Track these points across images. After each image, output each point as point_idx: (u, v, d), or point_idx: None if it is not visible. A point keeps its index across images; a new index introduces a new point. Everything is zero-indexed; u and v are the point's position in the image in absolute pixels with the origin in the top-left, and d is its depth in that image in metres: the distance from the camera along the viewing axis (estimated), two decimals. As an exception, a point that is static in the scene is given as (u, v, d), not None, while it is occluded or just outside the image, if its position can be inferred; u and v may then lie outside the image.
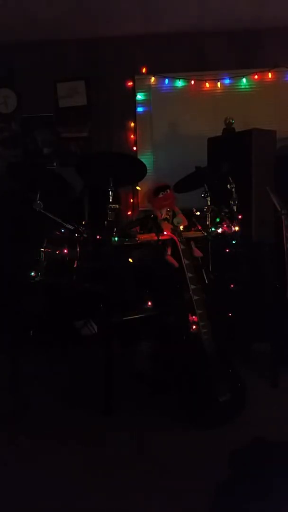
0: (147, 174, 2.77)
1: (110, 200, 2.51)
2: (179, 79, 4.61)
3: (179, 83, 4.63)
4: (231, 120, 4.09)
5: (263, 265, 3.32)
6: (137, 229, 2.75)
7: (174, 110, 4.70)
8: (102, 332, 2.84)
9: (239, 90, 4.63)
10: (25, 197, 2.71)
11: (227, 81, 4.60)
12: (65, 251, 2.68)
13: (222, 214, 2.84)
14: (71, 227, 2.66)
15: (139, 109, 4.72)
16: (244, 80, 4.59)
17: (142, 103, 4.72)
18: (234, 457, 2.02)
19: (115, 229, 2.50)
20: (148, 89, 4.69)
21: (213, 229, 2.74)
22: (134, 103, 4.70)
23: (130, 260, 2.81)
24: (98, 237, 2.66)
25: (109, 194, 2.51)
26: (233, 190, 2.86)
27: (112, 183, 2.51)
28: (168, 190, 2.81)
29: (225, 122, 4.11)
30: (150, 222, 2.69)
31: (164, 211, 2.61)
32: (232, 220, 2.82)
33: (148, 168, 2.73)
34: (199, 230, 2.70)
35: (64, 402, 2.59)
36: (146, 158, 4.57)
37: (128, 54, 4.59)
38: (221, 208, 2.87)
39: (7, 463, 2.06)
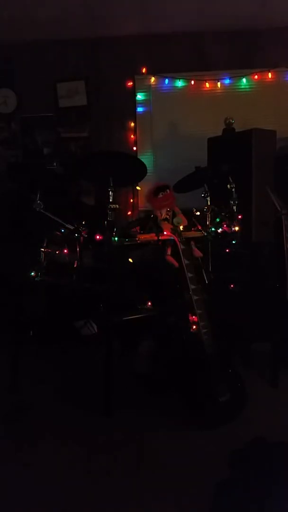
0: (147, 174, 2.76)
1: (110, 200, 2.51)
2: (179, 79, 4.61)
3: (179, 83, 4.63)
4: (231, 120, 4.09)
5: (263, 265, 3.32)
6: (137, 229, 2.75)
7: (174, 110, 4.70)
8: (102, 332, 2.83)
9: (239, 90, 4.63)
10: (25, 197, 2.71)
11: (227, 81, 4.60)
12: (65, 251, 2.68)
13: (222, 214, 2.84)
14: (71, 227, 2.66)
15: (139, 109, 4.72)
16: (244, 80, 4.59)
17: (142, 103, 4.72)
18: (234, 457, 2.02)
19: (115, 229, 2.50)
20: (148, 89, 4.69)
21: (213, 229, 2.74)
22: (134, 103, 4.70)
23: (130, 260, 2.81)
24: (98, 237, 2.66)
25: (109, 194, 2.51)
26: (233, 190, 2.86)
27: (112, 183, 2.51)
28: (168, 190, 2.81)
29: (225, 122, 4.11)
30: (150, 222, 2.69)
31: (164, 211, 2.61)
32: (232, 220, 2.82)
33: (148, 168, 2.73)
34: (199, 230, 2.70)
35: (64, 402, 2.59)
36: (146, 158, 4.57)
37: (128, 54, 4.59)
38: (221, 208, 2.87)
39: (7, 463, 2.06)
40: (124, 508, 1.77)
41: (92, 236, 2.64)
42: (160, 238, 2.54)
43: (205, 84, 4.62)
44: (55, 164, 4.49)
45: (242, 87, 4.63)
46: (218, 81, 4.60)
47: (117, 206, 2.51)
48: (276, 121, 4.37)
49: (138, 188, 4.61)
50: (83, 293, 2.79)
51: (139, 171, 2.70)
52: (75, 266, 2.66)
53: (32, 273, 2.64)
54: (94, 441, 2.21)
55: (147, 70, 4.62)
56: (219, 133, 4.15)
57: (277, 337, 2.77)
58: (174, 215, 2.58)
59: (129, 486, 1.88)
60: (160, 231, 2.54)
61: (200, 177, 2.83)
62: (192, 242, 2.70)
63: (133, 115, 4.72)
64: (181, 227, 2.51)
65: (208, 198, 2.81)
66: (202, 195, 2.83)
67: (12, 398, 2.63)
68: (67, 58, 4.65)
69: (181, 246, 2.44)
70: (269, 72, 4.54)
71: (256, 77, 4.58)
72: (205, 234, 2.70)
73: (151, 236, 2.57)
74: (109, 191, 2.51)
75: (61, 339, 3.14)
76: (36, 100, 4.68)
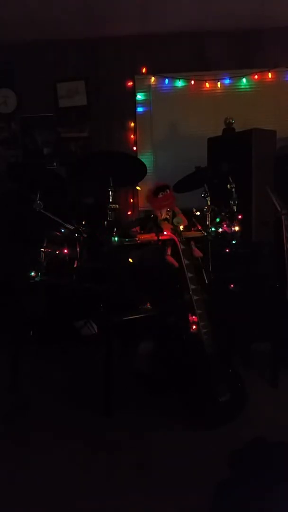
0: (147, 174, 2.77)
1: (110, 200, 2.51)
2: (179, 79, 4.61)
3: (179, 83, 4.64)
4: (231, 120, 4.09)
5: (263, 265, 3.32)
6: (137, 229, 2.75)
7: (174, 110, 4.70)
8: (102, 332, 2.83)
9: (239, 90, 4.64)
10: (25, 197, 2.71)
11: (227, 81, 4.61)
12: (65, 251, 2.68)
13: (222, 214, 2.84)
14: (71, 227, 2.66)
15: (139, 109, 4.73)
16: (244, 80, 4.59)
17: (142, 103, 4.73)
18: (234, 457, 2.02)
19: (115, 229, 2.50)
20: (148, 89, 4.70)
21: (213, 229, 2.74)
22: (134, 103, 4.70)
23: (130, 260, 2.81)
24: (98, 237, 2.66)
25: (109, 194, 2.51)
26: (233, 190, 2.86)
27: (112, 183, 2.52)
28: (168, 190, 2.81)
29: (225, 122, 4.12)
30: (150, 222, 2.69)
31: (164, 211, 2.61)
32: (232, 220, 2.82)
33: (148, 168, 2.73)
34: (199, 230, 2.70)
35: (64, 402, 2.59)
36: (146, 158, 4.58)
37: (128, 54, 4.60)
38: (221, 208, 2.87)
39: (7, 463, 2.06)
40: (124, 508, 1.77)
41: (92, 236, 2.64)
42: (160, 238, 2.54)
43: (205, 84, 4.62)
44: (55, 164, 4.49)
45: (242, 87, 4.63)
46: (218, 81, 4.60)
47: (117, 206, 2.51)
48: (276, 121, 4.38)
49: (138, 188, 4.61)
50: (83, 293, 2.79)
51: (139, 171, 2.70)
52: (75, 266, 2.66)
53: (32, 273, 2.64)
54: (94, 441, 2.21)
55: (147, 70, 4.63)
56: (219, 133, 4.16)
57: (277, 337, 2.77)
58: (174, 215, 2.58)
59: (129, 486, 1.88)
60: (160, 231, 2.54)
61: (200, 177, 2.83)
62: (192, 242, 2.70)
63: (133, 115, 4.72)
64: (181, 227, 2.51)
65: (208, 198, 2.81)
66: (202, 195, 2.83)
67: (12, 398, 2.63)
68: (67, 58, 4.66)
69: (181, 246, 2.44)
70: (269, 72, 4.55)
71: (256, 77, 4.58)
72: (205, 234, 2.70)
73: (151, 236, 2.57)
74: (109, 191, 2.51)
75: (61, 339, 3.14)
76: (36, 100, 4.68)
